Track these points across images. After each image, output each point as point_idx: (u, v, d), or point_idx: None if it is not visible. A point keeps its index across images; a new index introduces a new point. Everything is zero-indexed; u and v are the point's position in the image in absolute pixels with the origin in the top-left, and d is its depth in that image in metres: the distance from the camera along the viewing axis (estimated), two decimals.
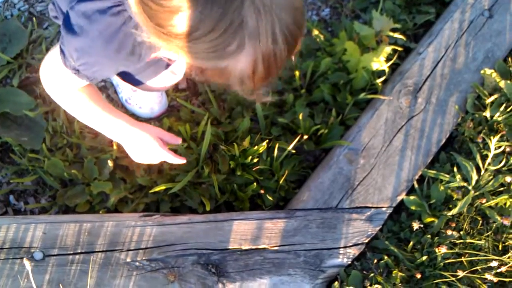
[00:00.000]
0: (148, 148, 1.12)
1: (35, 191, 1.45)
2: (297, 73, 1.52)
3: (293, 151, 1.42)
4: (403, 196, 1.36)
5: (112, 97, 1.58)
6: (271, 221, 1.29)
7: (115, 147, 1.40)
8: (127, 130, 1.10)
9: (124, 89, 1.52)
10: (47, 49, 1.61)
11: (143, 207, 1.38)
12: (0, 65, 1.55)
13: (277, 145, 1.38)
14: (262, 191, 1.38)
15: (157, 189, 1.34)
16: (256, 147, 1.40)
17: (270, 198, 1.38)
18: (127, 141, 1.13)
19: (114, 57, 0.91)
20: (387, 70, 1.49)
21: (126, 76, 1.14)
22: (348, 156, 1.38)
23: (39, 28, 1.64)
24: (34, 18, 1.64)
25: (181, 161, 1.15)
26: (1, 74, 1.53)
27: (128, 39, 0.88)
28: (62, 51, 0.93)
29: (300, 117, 1.44)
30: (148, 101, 1.49)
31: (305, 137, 1.44)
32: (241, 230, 1.27)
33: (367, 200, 1.34)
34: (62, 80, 1.01)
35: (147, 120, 1.54)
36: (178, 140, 1.18)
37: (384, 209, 1.34)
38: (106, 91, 1.59)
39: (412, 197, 1.38)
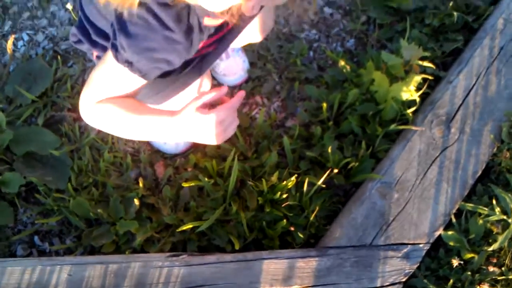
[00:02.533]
0: (213, 124, 0.91)
1: (60, 232, 1.43)
2: (324, 105, 1.48)
3: (323, 186, 1.38)
4: (440, 231, 1.31)
5: None
6: (303, 260, 1.24)
7: (141, 185, 1.38)
8: (179, 122, 0.91)
9: None
10: (72, 87, 1.61)
11: (170, 247, 1.34)
12: (25, 104, 1.55)
13: (306, 180, 1.34)
14: (292, 228, 1.34)
15: (184, 227, 1.30)
16: (284, 182, 1.36)
17: (300, 235, 1.33)
18: (191, 133, 0.92)
19: (169, 36, 0.83)
20: (417, 99, 1.45)
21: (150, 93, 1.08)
22: (381, 190, 1.33)
23: (63, 66, 1.65)
24: (58, 56, 1.65)
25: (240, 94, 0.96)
26: (26, 113, 1.52)
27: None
28: (113, 45, 0.85)
29: (329, 150, 1.40)
30: None
31: (335, 171, 1.40)
32: (272, 270, 1.22)
33: (403, 236, 1.28)
34: (104, 92, 0.92)
35: (173, 156, 1.51)
36: (224, 89, 0.95)
37: (421, 245, 1.28)
38: None
39: (450, 232, 1.32)
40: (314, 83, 1.63)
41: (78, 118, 1.56)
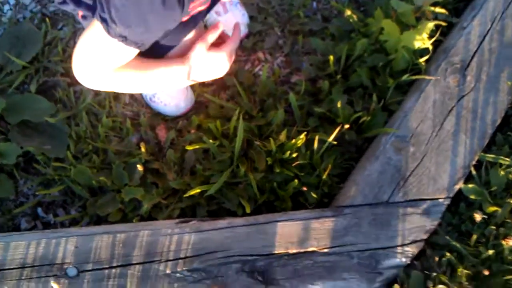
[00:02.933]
0: (226, 58, 1.03)
1: (63, 202, 1.38)
2: (331, 57, 1.41)
3: (334, 143, 1.32)
4: (460, 184, 1.25)
5: (136, 97, 1.49)
6: (318, 221, 1.19)
7: (143, 149, 1.31)
8: (192, 66, 1.00)
9: None
10: (64, 51, 1.52)
11: (178, 213, 1.29)
12: (16, 71, 1.47)
13: (316, 137, 1.28)
14: (304, 188, 1.28)
15: (191, 192, 1.25)
16: (293, 140, 1.30)
17: (313, 195, 1.28)
18: (205, 72, 1.03)
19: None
20: (430, 48, 1.37)
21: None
22: (396, 145, 1.27)
23: (53, 29, 1.56)
24: (47, 19, 1.55)
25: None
26: (18, 80, 1.45)
27: None
28: (103, 20, 0.80)
29: (338, 105, 1.34)
30: (174, 97, 1.40)
31: (346, 126, 1.34)
32: (286, 233, 1.18)
33: (422, 192, 1.23)
34: (102, 61, 0.92)
35: (174, 118, 1.44)
36: (220, 26, 1.03)
37: (441, 200, 1.23)
38: None
39: (470, 185, 1.27)
40: (319, 35, 1.55)
41: (73, 83, 1.48)
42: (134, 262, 1.15)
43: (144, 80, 0.99)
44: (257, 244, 1.17)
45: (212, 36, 1.01)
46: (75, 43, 1.54)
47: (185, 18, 0.86)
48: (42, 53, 1.52)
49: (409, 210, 1.22)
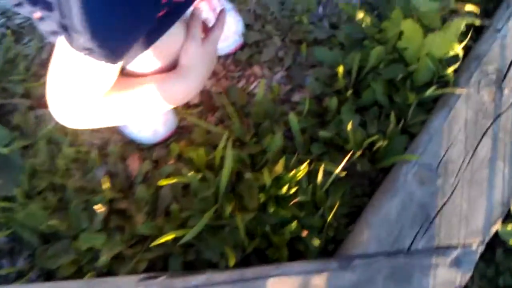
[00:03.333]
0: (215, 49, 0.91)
1: (11, 250, 1.17)
2: (339, 70, 1.19)
3: (343, 174, 1.09)
4: (498, 225, 1.01)
5: None
6: (320, 276, 0.95)
7: (106, 185, 1.10)
8: (192, 71, 0.85)
9: None
10: (27, 69, 1.34)
11: (146, 265, 1.07)
12: None
13: (321, 168, 1.05)
14: (305, 233, 1.05)
15: (163, 239, 1.02)
16: (293, 172, 1.07)
17: (316, 241, 1.05)
18: (204, 71, 0.88)
19: None
20: (460, 54, 1.14)
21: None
22: (419, 176, 1.03)
23: (17, 44, 1.38)
24: (10, 33, 1.37)
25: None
26: None
27: None
28: (63, 27, 0.63)
29: (349, 127, 1.11)
30: (150, 122, 1.19)
31: (357, 154, 1.11)
32: None
33: (451, 236, 0.99)
34: (78, 88, 0.76)
35: (151, 147, 1.23)
36: (196, 11, 0.88)
37: (474, 246, 0.99)
38: None
39: (510, 227, 1.02)
40: (326, 44, 1.34)
41: (33, 106, 1.29)
42: None
43: (135, 103, 0.83)
44: None
45: (197, 30, 0.85)
46: (42, 60, 1.36)
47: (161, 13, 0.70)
48: (1, 72, 1.34)
49: (436, 260, 0.97)
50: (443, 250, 0.98)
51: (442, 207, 1.01)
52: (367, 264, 0.97)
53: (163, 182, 1.06)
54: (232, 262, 1.00)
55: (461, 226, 1.00)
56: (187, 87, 0.86)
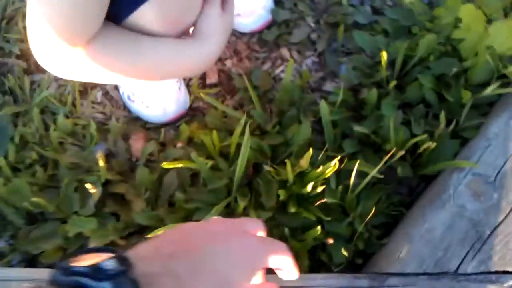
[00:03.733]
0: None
1: None
2: (382, 58, 1.04)
3: (379, 177, 0.94)
4: None
5: (112, 95, 1.15)
6: None
7: (101, 162, 0.96)
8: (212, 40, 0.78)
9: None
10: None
11: None
12: None
13: (355, 167, 0.91)
14: (330, 241, 0.90)
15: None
16: (320, 169, 0.93)
17: (343, 252, 0.90)
18: (223, 41, 0.81)
19: None
20: None
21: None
22: (474, 187, 0.88)
23: (17, 0, 1.25)
24: None
25: None
26: None
27: None
28: None
29: (390, 124, 0.96)
30: (160, 98, 1.05)
31: (398, 155, 0.96)
32: None
33: (507, 261, 0.84)
34: (59, 20, 0.61)
35: (159, 127, 1.09)
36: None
37: None
38: (104, 86, 1.17)
39: None
40: (366, 30, 1.19)
41: (31, 70, 1.16)
42: None
43: (140, 59, 0.72)
44: None
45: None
46: None
47: None
48: None
49: (487, 287, 0.82)
50: (497, 276, 0.83)
51: (498, 226, 0.86)
52: (403, 284, 0.82)
53: (167, 165, 0.92)
54: None
55: None
56: (204, 54, 0.79)
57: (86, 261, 0.43)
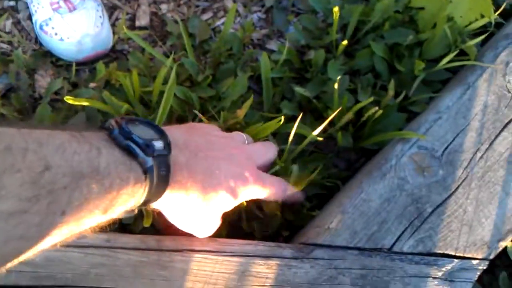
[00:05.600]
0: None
1: None
2: (334, 20, 0.97)
3: (318, 141, 0.87)
4: (508, 241, 0.81)
5: (23, 25, 1.03)
6: (266, 263, 0.73)
7: None
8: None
9: (39, 7, 0.97)
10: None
11: None
12: None
13: (293, 130, 0.83)
14: (255, 210, 0.82)
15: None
16: (256, 126, 0.85)
17: (269, 221, 0.82)
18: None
19: None
20: (492, 23, 0.96)
21: None
22: (417, 160, 0.83)
23: None
24: None
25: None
26: None
27: None
28: None
29: (335, 89, 0.89)
30: (77, 31, 0.94)
31: (340, 122, 0.89)
32: (207, 274, 0.71)
33: (447, 243, 0.79)
34: None
35: (71, 64, 0.98)
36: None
37: (475, 262, 0.78)
38: (16, 14, 1.04)
39: None
40: None
41: None
42: None
43: None
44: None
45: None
46: None
47: None
48: None
49: (424, 269, 0.77)
50: (435, 258, 0.77)
51: (440, 204, 0.80)
52: (331, 257, 0.75)
53: (72, 101, 0.81)
54: (148, 222, 0.76)
55: (461, 232, 0.79)
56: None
57: (140, 132, 0.53)
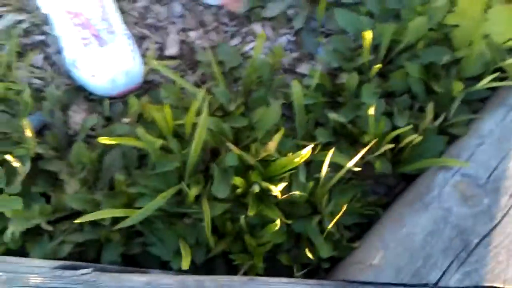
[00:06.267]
0: None
1: None
2: (366, 41, 0.96)
3: (355, 170, 0.86)
4: None
5: (54, 59, 1.05)
6: None
7: (28, 133, 0.85)
8: None
9: (70, 43, 0.98)
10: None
11: (71, 250, 0.82)
12: None
13: (327, 158, 0.82)
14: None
15: (97, 216, 0.78)
16: (289, 157, 0.84)
17: (308, 254, 0.81)
18: None
19: None
20: None
21: None
22: (462, 189, 0.81)
23: None
24: None
25: None
26: None
27: None
28: None
29: (370, 112, 0.88)
30: (109, 67, 0.95)
31: (378, 150, 0.88)
32: None
33: (495, 276, 0.77)
34: None
35: (104, 99, 0.99)
36: None
37: None
38: (46, 49, 1.06)
39: None
40: (351, 9, 1.11)
41: None
42: None
43: None
44: None
45: None
46: None
47: None
48: None
49: None
50: None
51: (487, 235, 0.79)
52: None
53: (107, 140, 0.81)
54: (186, 264, 0.76)
55: (509, 264, 0.78)
56: None
57: None
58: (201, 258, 0.84)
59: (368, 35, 0.95)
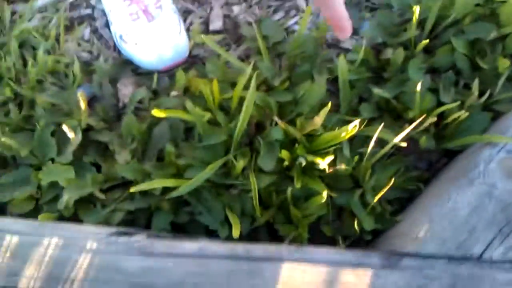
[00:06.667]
0: None
1: None
2: (414, 12, 0.97)
3: (400, 146, 0.88)
4: None
5: (101, 33, 1.08)
6: (355, 271, 0.75)
7: (83, 106, 0.89)
8: None
9: (118, 18, 1.01)
10: None
11: (122, 217, 0.86)
12: None
13: (375, 134, 0.84)
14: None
15: (149, 186, 0.82)
16: (335, 132, 0.86)
17: (352, 226, 0.84)
18: None
19: None
20: None
21: None
22: (507, 165, 0.82)
23: None
24: None
25: None
26: None
27: None
28: None
29: (417, 88, 0.89)
30: (157, 41, 0.98)
31: (427, 123, 0.90)
32: (296, 283, 0.74)
33: None
34: None
35: (151, 73, 1.02)
36: None
37: None
38: (93, 22, 1.09)
39: None
40: None
41: None
42: (22, 286, 0.73)
43: None
44: None
45: None
46: None
47: None
48: None
49: None
50: None
51: None
52: (421, 267, 0.76)
53: (158, 113, 0.85)
54: (236, 232, 0.79)
55: None
56: None
57: None
58: (246, 228, 0.87)
59: (416, 10, 0.95)
